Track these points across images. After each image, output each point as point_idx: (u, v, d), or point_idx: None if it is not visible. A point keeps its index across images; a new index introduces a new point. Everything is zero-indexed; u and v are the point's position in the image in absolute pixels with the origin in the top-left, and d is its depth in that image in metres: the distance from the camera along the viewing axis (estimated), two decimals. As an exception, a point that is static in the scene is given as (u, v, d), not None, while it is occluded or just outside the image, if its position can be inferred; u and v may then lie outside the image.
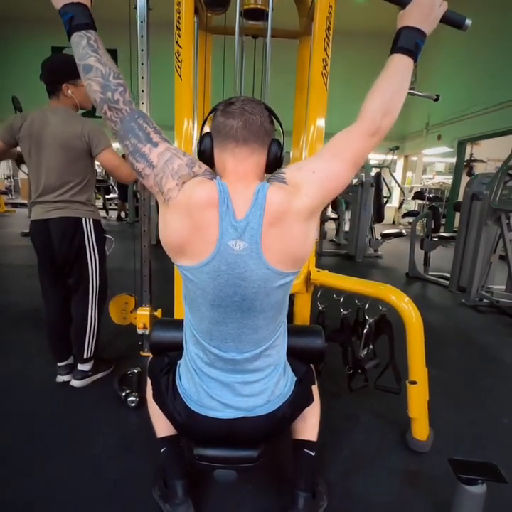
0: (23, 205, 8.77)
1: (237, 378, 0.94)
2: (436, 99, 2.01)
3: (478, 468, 1.12)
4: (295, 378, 1.04)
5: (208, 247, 0.82)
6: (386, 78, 0.84)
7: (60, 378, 1.86)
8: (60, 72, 1.62)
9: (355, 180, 5.50)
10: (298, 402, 1.03)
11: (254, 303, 0.86)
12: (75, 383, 1.83)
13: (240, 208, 0.82)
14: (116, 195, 9.17)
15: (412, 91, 1.83)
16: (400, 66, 0.84)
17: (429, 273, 4.32)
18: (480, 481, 1.08)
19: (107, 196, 8.32)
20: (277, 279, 0.86)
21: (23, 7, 8.45)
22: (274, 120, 0.90)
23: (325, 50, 1.57)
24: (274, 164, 0.89)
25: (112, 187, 9.19)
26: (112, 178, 9.27)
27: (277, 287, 0.87)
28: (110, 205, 8.56)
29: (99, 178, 8.78)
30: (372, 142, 0.85)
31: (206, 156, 0.89)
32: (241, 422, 0.94)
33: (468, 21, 0.82)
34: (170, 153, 0.84)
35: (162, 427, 1.16)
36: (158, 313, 2.05)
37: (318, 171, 0.85)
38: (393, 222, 9.24)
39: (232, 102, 0.85)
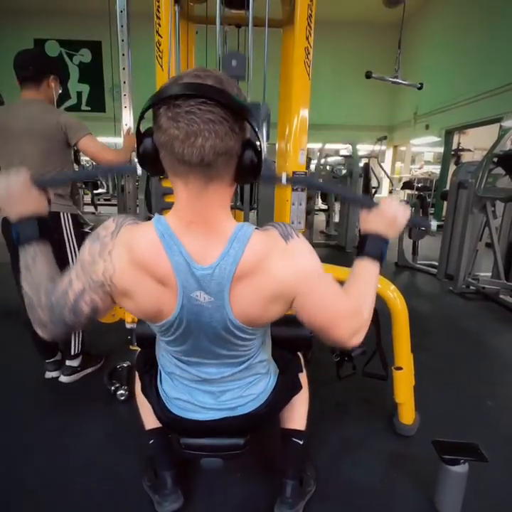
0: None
1: (219, 387, 0.91)
2: (420, 88, 2.02)
3: (461, 448, 1.15)
4: (278, 370, 1.02)
5: (174, 299, 0.73)
6: (362, 284, 0.86)
7: (49, 374, 1.85)
8: (51, 62, 1.70)
9: (344, 171, 5.52)
10: (283, 392, 1.02)
11: (228, 339, 0.81)
12: (63, 379, 1.83)
13: (201, 252, 0.68)
14: (104, 190, 9.04)
15: (395, 80, 1.83)
16: (370, 272, 0.87)
17: (418, 262, 4.37)
18: (462, 461, 1.12)
19: (95, 191, 8.21)
20: (248, 332, 0.79)
21: (4, -2, 8.25)
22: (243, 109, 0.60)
23: (307, 38, 1.56)
24: (249, 172, 0.67)
25: (100, 182, 9.07)
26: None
27: (249, 335, 0.81)
28: (98, 200, 8.46)
29: (87, 173, 8.65)
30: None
31: (150, 161, 0.65)
32: (224, 421, 0.93)
33: (434, 223, 0.90)
34: (77, 258, 0.75)
35: (150, 419, 1.16)
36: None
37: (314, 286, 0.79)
38: (383, 213, 9.27)
39: (178, 104, 0.57)
